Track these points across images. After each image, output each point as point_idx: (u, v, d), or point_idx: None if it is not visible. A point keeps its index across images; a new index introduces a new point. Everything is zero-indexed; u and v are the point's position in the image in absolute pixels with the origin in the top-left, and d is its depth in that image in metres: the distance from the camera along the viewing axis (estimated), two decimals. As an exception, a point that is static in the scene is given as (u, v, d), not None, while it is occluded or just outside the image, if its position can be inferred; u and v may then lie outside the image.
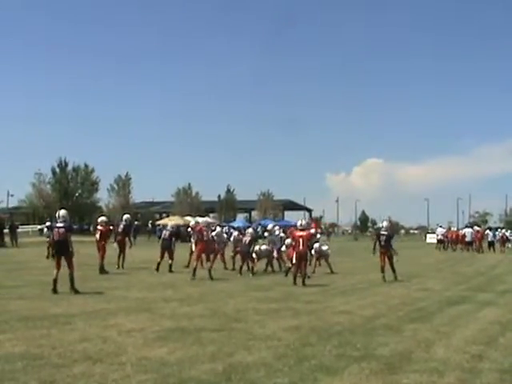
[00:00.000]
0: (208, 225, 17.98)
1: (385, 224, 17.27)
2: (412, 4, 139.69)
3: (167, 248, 18.54)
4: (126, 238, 19.58)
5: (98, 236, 17.97)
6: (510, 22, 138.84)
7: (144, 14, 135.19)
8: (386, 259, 16.40)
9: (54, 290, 12.25)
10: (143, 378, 5.79)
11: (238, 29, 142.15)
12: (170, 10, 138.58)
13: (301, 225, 15.73)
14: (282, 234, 20.14)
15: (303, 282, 14.72)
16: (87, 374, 5.85)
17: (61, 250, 12.61)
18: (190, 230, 21.81)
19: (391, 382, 5.85)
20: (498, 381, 6.01)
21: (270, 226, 20.32)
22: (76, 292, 12.27)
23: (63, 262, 12.55)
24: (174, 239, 18.81)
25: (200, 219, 19.28)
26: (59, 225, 12.76)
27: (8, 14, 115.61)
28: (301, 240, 15.01)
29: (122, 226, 19.87)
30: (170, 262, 18.27)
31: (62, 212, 13.11)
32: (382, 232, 16.68)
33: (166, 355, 6.75)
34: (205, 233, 16.66)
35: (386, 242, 16.44)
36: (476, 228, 42.96)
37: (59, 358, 6.50)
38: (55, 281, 12.30)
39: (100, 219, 18.51)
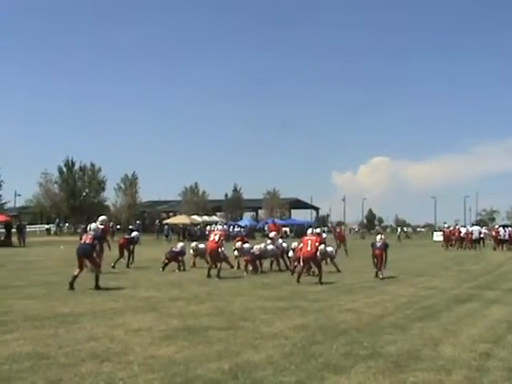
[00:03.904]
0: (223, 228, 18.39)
1: (378, 238, 17.79)
2: (412, 4, 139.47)
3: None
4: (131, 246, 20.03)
5: None
6: (510, 21, 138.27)
7: (145, 15, 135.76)
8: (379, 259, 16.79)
9: (71, 285, 12.77)
10: (150, 376, 5.79)
11: (240, 29, 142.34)
12: (170, 11, 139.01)
13: (311, 233, 16.79)
14: (284, 245, 19.89)
15: (320, 280, 15.02)
16: (94, 373, 5.86)
17: (83, 252, 13.23)
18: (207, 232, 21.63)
19: (398, 381, 5.83)
20: (505, 379, 5.99)
21: (272, 234, 20.22)
22: (98, 288, 12.90)
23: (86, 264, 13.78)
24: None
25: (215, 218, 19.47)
26: (91, 232, 13.76)
27: (10, 13, 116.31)
28: (309, 242, 15.22)
29: (127, 236, 20.43)
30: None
31: (93, 225, 14.30)
32: (377, 242, 17.25)
33: (173, 354, 6.76)
34: (217, 235, 16.81)
35: (382, 247, 16.92)
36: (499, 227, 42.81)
37: (66, 358, 6.51)
38: (75, 277, 12.88)
39: (101, 218, 18.44)
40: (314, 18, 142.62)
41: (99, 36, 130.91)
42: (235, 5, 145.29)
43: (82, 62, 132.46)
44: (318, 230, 20.40)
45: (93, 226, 14.13)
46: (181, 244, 19.53)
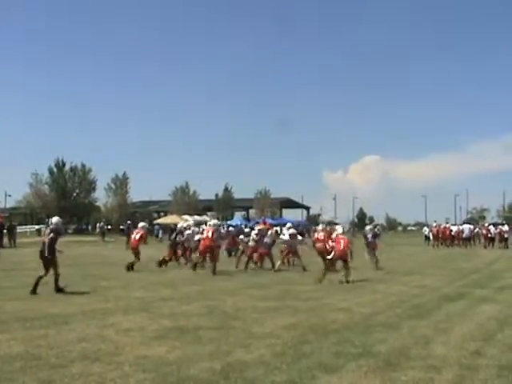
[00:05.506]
0: (216, 226, 18.62)
1: (368, 228, 20.16)
2: (411, 3, 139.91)
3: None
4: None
5: (137, 236, 18.83)
6: (506, 21, 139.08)
7: (143, 15, 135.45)
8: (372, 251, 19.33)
9: (57, 288, 12.38)
10: (141, 377, 5.78)
11: (236, 29, 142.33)
12: (168, 11, 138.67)
13: (324, 227, 18.69)
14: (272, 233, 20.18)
15: (347, 280, 14.75)
16: (85, 374, 5.84)
17: (43, 252, 12.48)
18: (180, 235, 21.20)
19: (389, 379, 5.85)
20: (496, 377, 6.01)
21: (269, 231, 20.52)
22: (59, 291, 12.30)
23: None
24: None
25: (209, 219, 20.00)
26: (51, 226, 12.99)
27: (8, 13, 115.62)
28: (342, 241, 15.32)
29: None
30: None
31: (55, 219, 13.32)
32: (367, 233, 19.77)
33: (164, 354, 6.75)
34: (210, 232, 16.91)
35: (373, 238, 19.56)
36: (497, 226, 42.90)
37: (57, 358, 6.49)
38: (55, 280, 12.41)
39: (141, 224, 19.77)
40: (313, 18, 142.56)
41: (97, 36, 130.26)
42: (234, 3, 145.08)
43: (74, 63, 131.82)
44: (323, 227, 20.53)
45: (54, 219, 13.27)
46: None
